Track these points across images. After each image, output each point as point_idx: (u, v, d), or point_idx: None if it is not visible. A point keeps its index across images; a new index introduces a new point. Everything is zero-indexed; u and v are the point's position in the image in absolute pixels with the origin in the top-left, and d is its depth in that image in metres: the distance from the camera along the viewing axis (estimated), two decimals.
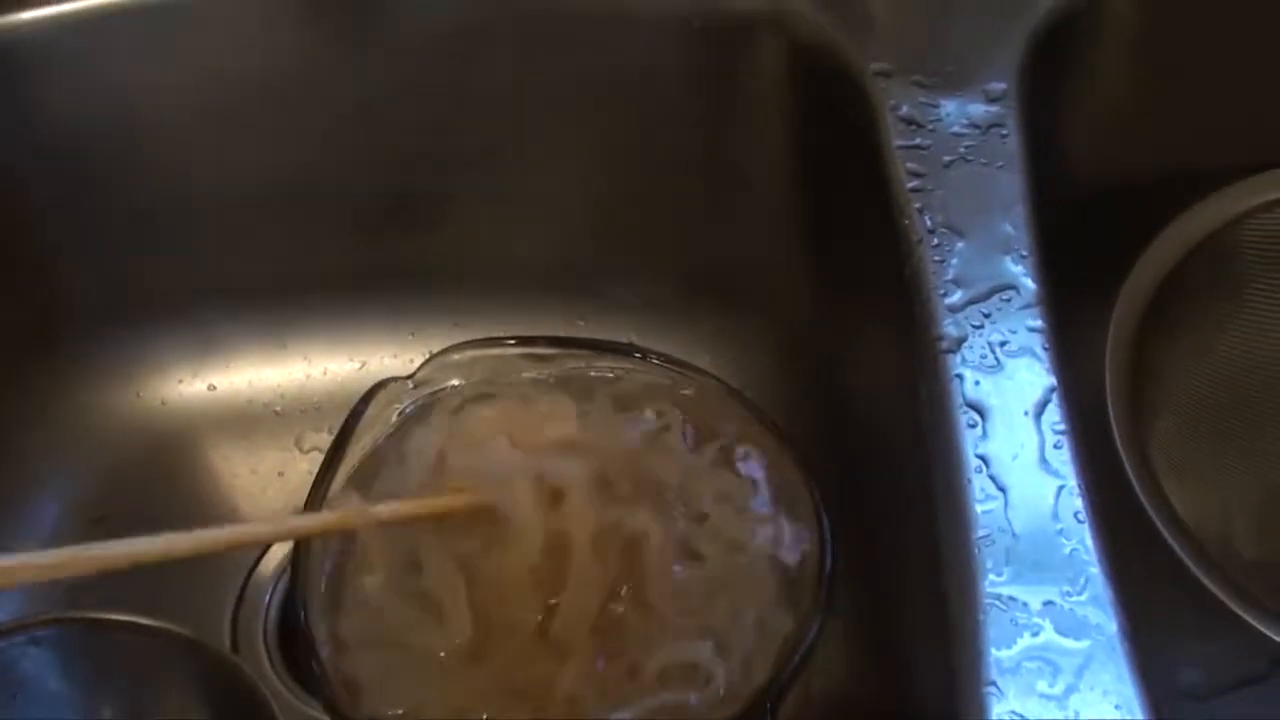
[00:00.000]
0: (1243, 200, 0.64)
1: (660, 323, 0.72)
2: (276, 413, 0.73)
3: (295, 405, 0.73)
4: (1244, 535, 0.62)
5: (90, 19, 0.64)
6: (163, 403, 0.73)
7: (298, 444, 0.72)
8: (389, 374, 0.71)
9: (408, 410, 0.58)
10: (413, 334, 0.73)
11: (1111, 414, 0.58)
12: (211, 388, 0.73)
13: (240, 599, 0.67)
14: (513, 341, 0.59)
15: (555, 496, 0.51)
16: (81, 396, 0.72)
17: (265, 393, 0.73)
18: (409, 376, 0.58)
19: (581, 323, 0.72)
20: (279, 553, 0.68)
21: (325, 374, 0.73)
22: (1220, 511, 0.62)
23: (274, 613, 0.67)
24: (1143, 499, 0.57)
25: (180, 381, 0.73)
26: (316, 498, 0.56)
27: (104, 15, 0.64)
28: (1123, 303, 0.61)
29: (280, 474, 0.71)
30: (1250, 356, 0.64)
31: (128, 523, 0.70)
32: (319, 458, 0.69)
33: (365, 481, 0.55)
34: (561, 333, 0.72)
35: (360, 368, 0.73)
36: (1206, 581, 0.56)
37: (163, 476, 0.72)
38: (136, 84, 0.66)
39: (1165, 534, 0.56)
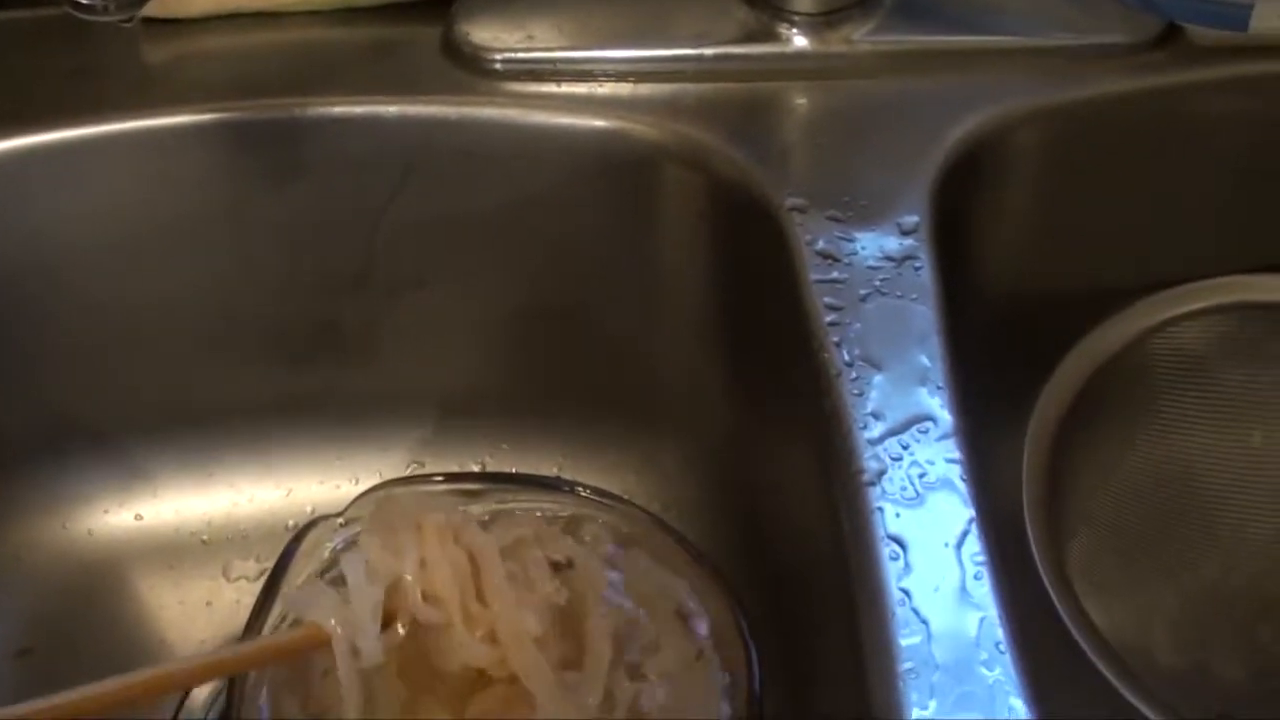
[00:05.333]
0: (1146, 317, 0.65)
1: (584, 446, 0.73)
2: (204, 542, 0.72)
3: (222, 534, 0.72)
4: (1162, 644, 0.64)
5: (6, 158, 0.65)
6: (89, 533, 0.72)
7: (225, 573, 0.71)
8: (316, 501, 0.73)
9: (338, 547, 0.59)
10: (339, 460, 0.73)
11: (1030, 533, 0.60)
12: (138, 517, 0.73)
13: None
14: (440, 479, 0.60)
15: None
16: (6, 528, 0.72)
17: (192, 522, 0.73)
18: (339, 514, 0.59)
19: (506, 446, 0.73)
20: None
21: (252, 502, 0.73)
22: (1138, 622, 0.64)
23: None
24: (1064, 616, 0.58)
25: (106, 512, 0.73)
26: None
27: (20, 154, 0.65)
28: (1036, 422, 0.62)
29: (208, 604, 0.70)
30: (1159, 468, 0.66)
31: (54, 655, 0.70)
32: (246, 586, 0.71)
33: None
34: (486, 457, 0.73)
35: (287, 495, 0.73)
36: (1129, 696, 0.57)
37: (90, 608, 0.71)
38: (56, 218, 0.66)
39: (1087, 650, 0.58)
